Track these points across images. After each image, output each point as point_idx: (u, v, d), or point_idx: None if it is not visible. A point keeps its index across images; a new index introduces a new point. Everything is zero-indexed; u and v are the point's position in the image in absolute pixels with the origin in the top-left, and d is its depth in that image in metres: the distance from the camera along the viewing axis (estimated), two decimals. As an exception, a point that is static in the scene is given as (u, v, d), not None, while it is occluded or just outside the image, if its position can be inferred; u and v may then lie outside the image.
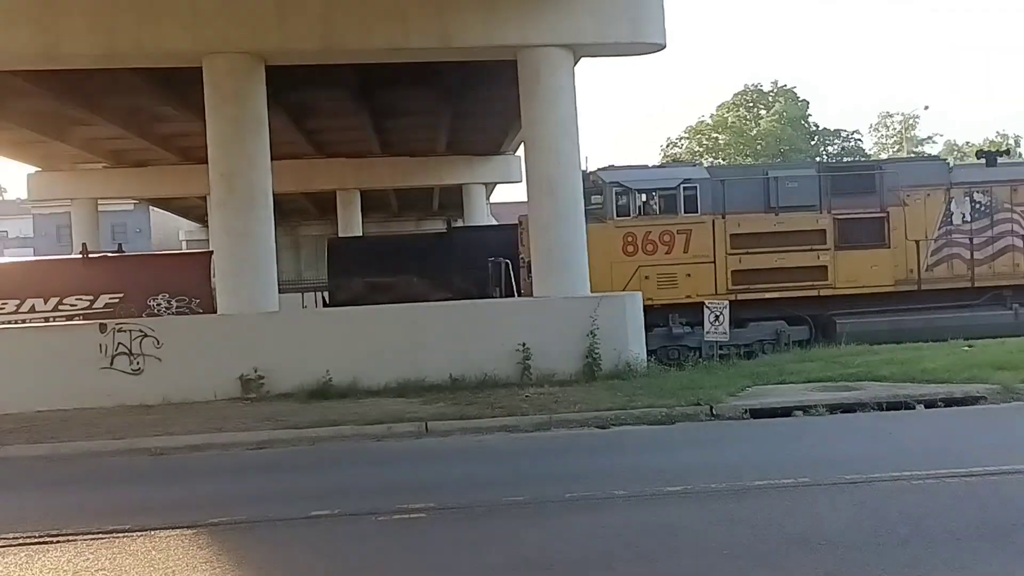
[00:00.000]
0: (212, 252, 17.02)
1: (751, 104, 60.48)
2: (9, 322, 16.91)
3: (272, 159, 14.66)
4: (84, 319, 16.55)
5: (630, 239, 16.89)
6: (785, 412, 11.12)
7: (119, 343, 13.23)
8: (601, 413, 11.05)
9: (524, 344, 13.64)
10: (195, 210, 38.73)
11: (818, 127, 60.00)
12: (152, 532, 6.81)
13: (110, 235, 38.32)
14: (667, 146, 62.56)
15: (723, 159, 56.77)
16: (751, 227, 17.02)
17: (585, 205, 15.29)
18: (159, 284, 18.03)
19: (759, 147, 55.75)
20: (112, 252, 21.61)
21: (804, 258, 16.74)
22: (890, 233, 17.33)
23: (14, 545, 6.64)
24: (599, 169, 17.69)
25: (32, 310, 17.47)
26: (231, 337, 13.61)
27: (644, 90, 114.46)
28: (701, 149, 59.86)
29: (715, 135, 60.43)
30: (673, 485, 7.51)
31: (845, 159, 53.10)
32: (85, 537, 6.75)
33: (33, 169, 28.71)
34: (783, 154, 53.61)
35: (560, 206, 14.59)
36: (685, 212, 17.05)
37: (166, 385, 13.09)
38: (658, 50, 15.05)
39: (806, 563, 5.59)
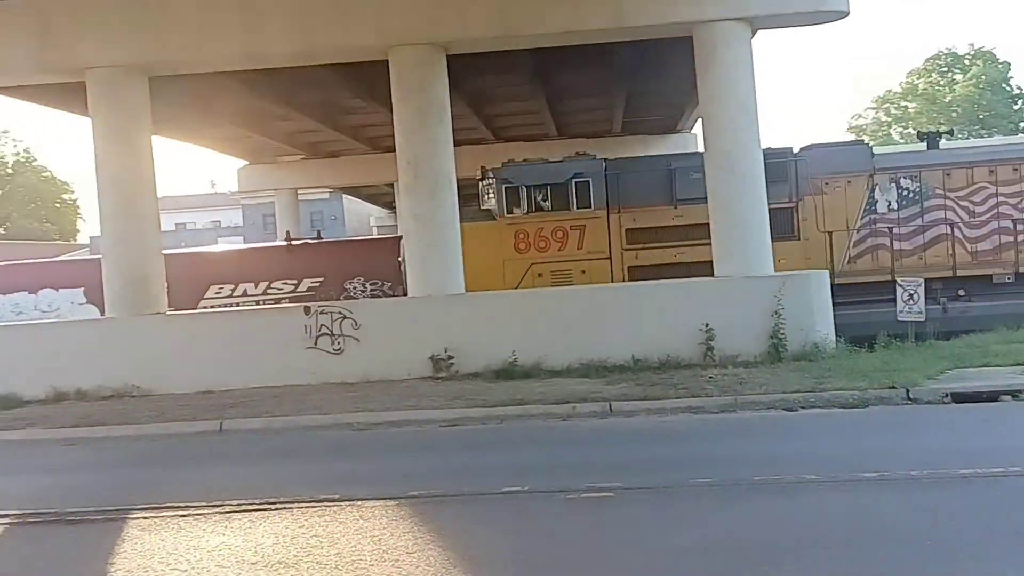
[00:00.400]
0: (400, 237, 17.85)
1: (945, 69, 56.34)
2: (225, 305, 18.51)
3: (454, 145, 15.21)
4: (290, 302, 17.82)
5: (522, 236, 16.66)
6: (991, 397, 10.39)
7: (322, 325, 14.19)
8: (789, 395, 10.78)
9: (707, 325, 13.49)
10: (383, 197, 40.69)
11: (1022, 90, 55.00)
12: (359, 502, 7.32)
13: (308, 223, 40.76)
14: (853, 118, 59.51)
15: (913, 128, 53.32)
16: (648, 221, 16.47)
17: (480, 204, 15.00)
18: (355, 268, 19.10)
19: (954, 114, 51.86)
20: (312, 239, 23.09)
21: (705, 252, 14.89)
22: (800, 224, 16.60)
23: (239, 511, 7.32)
24: (491, 168, 17.46)
25: (244, 294, 19.00)
26: (421, 318, 14.28)
27: (827, 61, 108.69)
28: (889, 119, 56.41)
29: (904, 103, 56.78)
30: (868, 471, 7.26)
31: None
32: (300, 505, 7.36)
33: (242, 163, 31.13)
34: (981, 121, 49.64)
35: (739, 183, 14.26)
36: (578, 207, 16.65)
37: (364, 364, 13.92)
38: (841, 17, 14.38)
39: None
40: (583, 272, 16.70)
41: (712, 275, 14.47)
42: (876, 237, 16.69)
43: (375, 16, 14.39)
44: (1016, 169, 16.58)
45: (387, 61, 14.79)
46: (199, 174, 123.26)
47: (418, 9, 14.28)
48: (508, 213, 17.00)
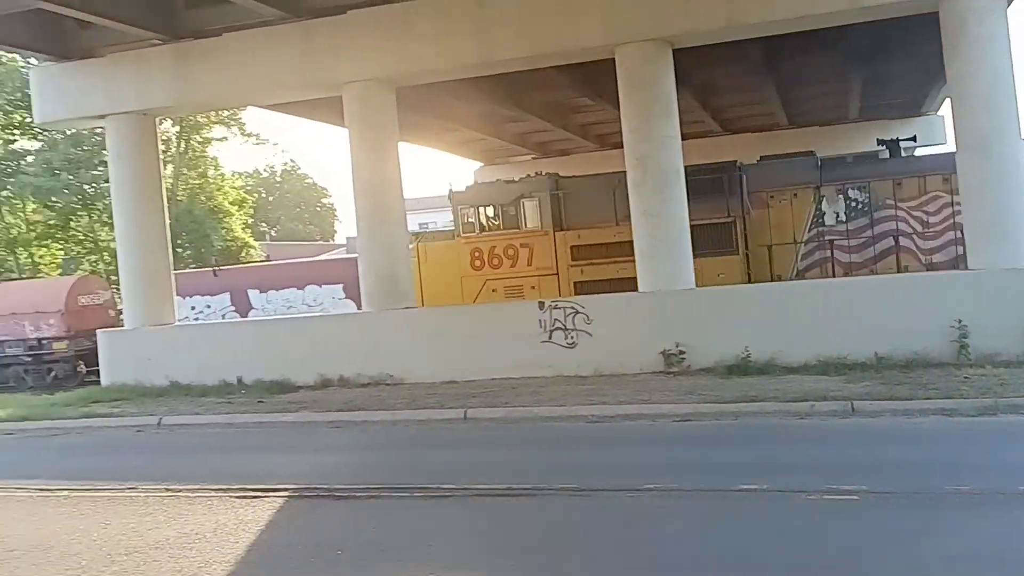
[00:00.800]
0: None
1: None
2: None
3: (681, 139, 15.18)
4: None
5: (477, 254, 17.58)
6: None
7: (555, 319, 14.69)
8: (1061, 399, 9.90)
9: (959, 321, 12.60)
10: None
11: None
12: (596, 492, 7.62)
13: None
14: None
15: None
16: (591, 238, 16.82)
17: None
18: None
19: None
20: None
21: None
22: (738, 239, 16.55)
23: (482, 495, 7.82)
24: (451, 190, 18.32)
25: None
26: (651, 313, 14.40)
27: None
28: None
29: None
30: None
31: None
32: (544, 492, 7.77)
33: (477, 164, 32.60)
34: None
35: (995, 167, 13.15)
36: (527, 226, 17.45)
37: (597, 358, 14.26)
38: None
39: None
40: (533, 287, 17.52)
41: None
42: (824, 249, 16.59)
43: (601, 17, 14.64)
44: None
45: (613, 59, 15.02)
46: (438, 176, 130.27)
47: (644, 7, 14.38)
48: (464, 232, 18.10)
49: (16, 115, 32.23)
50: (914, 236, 16.31)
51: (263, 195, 57.70)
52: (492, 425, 11.64)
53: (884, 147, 18.20)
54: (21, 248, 34.67)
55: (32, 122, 27.45)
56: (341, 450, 11.05)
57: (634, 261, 14.99)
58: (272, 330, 17.45)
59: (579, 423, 11.24)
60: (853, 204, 16.44)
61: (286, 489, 8.44)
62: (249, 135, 37.75)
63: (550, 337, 14.69)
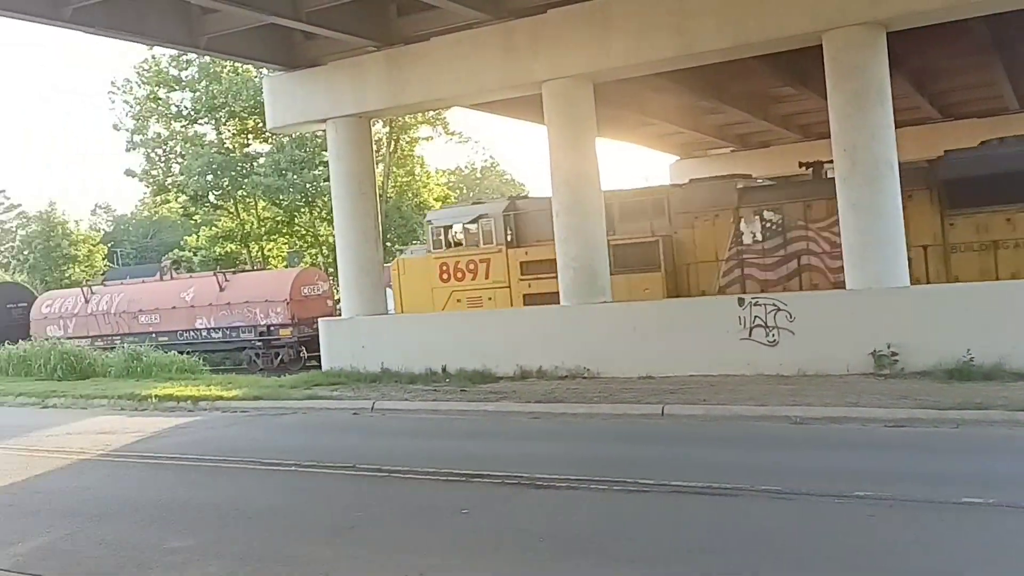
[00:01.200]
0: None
1: None
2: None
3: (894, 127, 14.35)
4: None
5: (444, 268, 19.82)
6: None
7: (755, 316, 14.33)
8: None
9: None
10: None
11: None
12: (802, 496, 7.42)
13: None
14: None
15: None
16: (537, 255, 18.45)
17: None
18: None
19: None
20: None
21: None
22: (662, 257, 17.97)
23: (686, 493, 7.80)
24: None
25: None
26: (860, 312, 13.71)
27: None
28: None
29: None
30: None
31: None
32: (745, 492, 7.65)
33: (673, 158, 32.29)
34: None
35: None
36: (483, 244, 19.36)
37: (800, 357, 13.79)
38: None
39: None
40: (490, 299, 19.43)
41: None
42: (742, 267, 17.59)
43: (808, 2, 14.08)
44: None
45: (820, 46, 14.42)
46: (634, 171, 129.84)
47: (856, -12, 13.72)
48: (435, 248, 20.23)
49: (250, 121, 35.36)
50: (823, 256, 16.92)
51: (464, 191, 59.80)
52: (690, 422, 11.56)
53: (807, 168, 19.11)
54: (253, 242, 38.10)
55: (263, 127, 30.07)
56: (540, 440, 11.36)
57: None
58: (474, 322, 18.15)
59: (781, 424, 10.95)
60: (768, 225, 17.42)
61: (489, 476, 8.81)
62: (452, 134, 39.22)
63: (750, 334, 14.36)
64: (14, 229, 72.75)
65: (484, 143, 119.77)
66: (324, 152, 31.85)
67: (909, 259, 14.28)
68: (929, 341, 12.90)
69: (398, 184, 38.54)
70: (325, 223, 34.67)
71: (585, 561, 6.19)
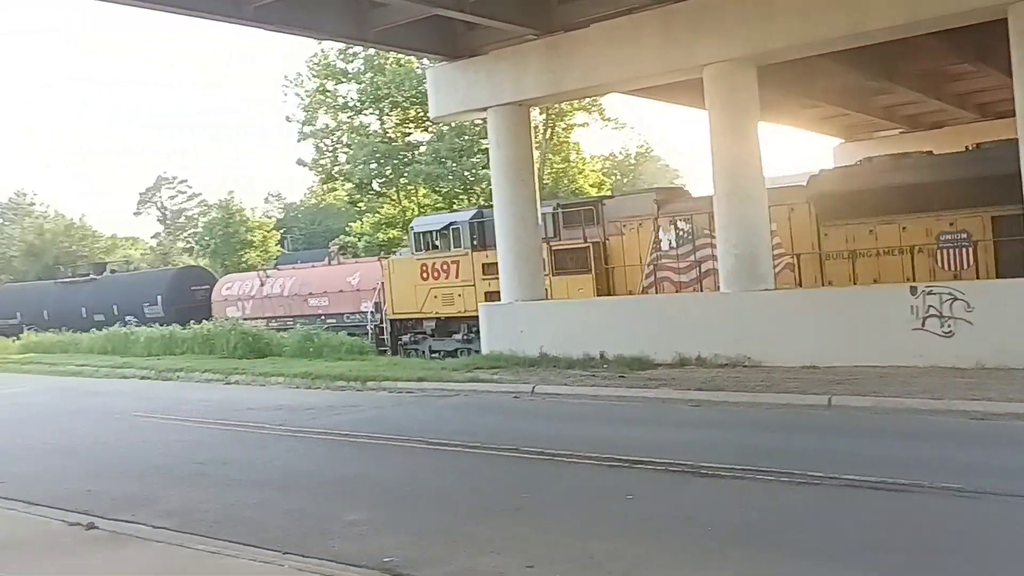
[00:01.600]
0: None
1: None
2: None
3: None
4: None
5: (424, 269, 22.64)
6: None
7: (929, 305, 13.61)
8: None
9: None
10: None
11: None
12: (987, 495, 7.06)
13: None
14: None
15: None
16: (495, 258, 19.79)
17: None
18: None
19: None
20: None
21: None
22: (592, 261, 19.85)
23: (858, 487, 7.57)
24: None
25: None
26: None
27: None
28: None
29: None
30: None
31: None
32: (921, 489, 7.34)
33: (837, 141, 30.94)
34: None
35: None
36: (454, 247, 22.11)
37: (978, 349, 13.00)
38: None
39: None
40: (459, 295, 21.99)
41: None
42: (661, 271, 19.43)
43: (994, -27, 13.20)
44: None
45: (1003, 20, 13.45)
46: (790, 155, 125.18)
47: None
48: (416, 251, 23.14)
49: (411, 111, 36.56)
50: None
51: (618, 178, 59.42)
52: (859, 414, 11.17)
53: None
54: (414, 228, 39.48)
55: (424, 116, 30.99)
56: (702, 428, 11.28)
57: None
58: (632, 307, 18.07)
59: (959, 419, 10.41)
60: (681, 233, 19.18)
61: (652, 462, 8.85)
62: (608, 120, 39.08)
63: (923, 325, 13.66)
64: (196, 216, 78.32)
65: (639, 129, 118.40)
66: (483, 140, 32.59)
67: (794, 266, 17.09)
68: None
69: (554, 171, 38.83)
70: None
71: (757, 552, 6.15)
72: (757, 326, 15.34)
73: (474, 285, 21.72)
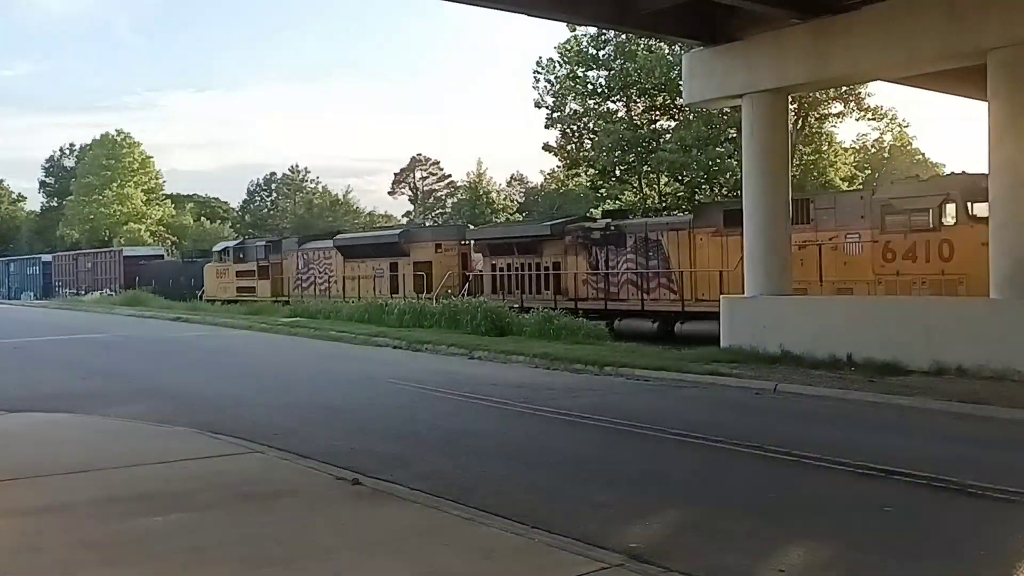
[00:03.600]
0: None
1: None
2: None
3: None
4: None
5: (220, 272, 42.81)
6: None
7: None
8: None
9: None
10: None
11: None
12: None
13: None
14: None
15: None
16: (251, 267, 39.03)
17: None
18: None
19: None
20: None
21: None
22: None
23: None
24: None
25: None
26: None
27: None
28: None
29: None
30: None
31: None
32: None
33: None
34: None
35: None
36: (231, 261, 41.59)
37: None
38: None
39: None
40: (232, 287, 41.17)
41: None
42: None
43: None
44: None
45: None
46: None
47: None
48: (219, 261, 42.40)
49: (659, 98, 36.32)
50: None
51: (870, 172, 55.63)
52: None
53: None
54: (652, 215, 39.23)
55: (671, 104, 30.68)
56: (966, 444, 10.38)
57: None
58: (884, 309, 16.97)
59: None
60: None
61: (911, 475, 8.29)
62: (867, 110, 36.66)
63: None
64: (444, 197, 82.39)
65: (900, 120, 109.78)
66: (730, 129, 31.75)
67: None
68: None
69: (803, 162, 37.12)
70: (724, 199, 34.68)
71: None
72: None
73: (234, 283, 40.37)
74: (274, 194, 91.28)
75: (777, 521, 7.08)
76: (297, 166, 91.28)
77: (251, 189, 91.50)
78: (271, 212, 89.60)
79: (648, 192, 39.08)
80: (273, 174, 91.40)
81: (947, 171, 59.45)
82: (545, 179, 57.46)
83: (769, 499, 7.75)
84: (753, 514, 7.27)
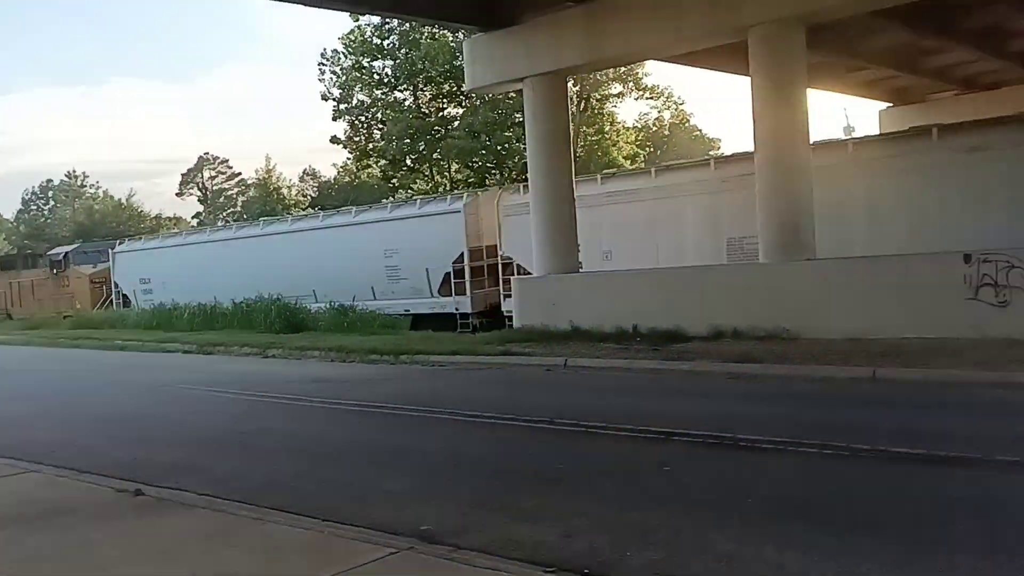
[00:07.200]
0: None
1: None
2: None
3: None
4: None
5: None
6: None
7: (984, 274, 13.15)
8: None
9: None
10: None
11: None
12: None
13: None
14: None
15: None
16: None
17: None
18: None
19: None
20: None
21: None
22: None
23: (909, 461, 7.30)
24: None
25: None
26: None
27: None
28: None
29: None
30: None
31: None
32: (979, 462, 7.02)
33: (883, 105, 30.05)
34: None
35: None
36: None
37: (1036, 319, 12.57)
38: None
39: None
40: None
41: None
42: None
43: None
44: None
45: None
46: (828, 120, 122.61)
47: None
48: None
49: (445, 85, 36.34)
50: None
51: (652, 150, 58.59)
52: (906, 388, 10.82)
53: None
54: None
55: (457, 91, 30.74)
56: (740, 401, 11.00)
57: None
58: (666, 278, 17.64)
59: (1017, 392, 10.00)
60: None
61: (689, 434, 8.62)
62: (644, 89, 38.47)
63: (976, 294, 13.20)
64: (235, 196, 78.88)
65: (676, 98, 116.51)
66: (516, 114, 32.22)
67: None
68: None
69: (587, 143, 38.41)
70: (514, 183, 35.30)
71: (802, 524, 5.90)
72: (796, 297, 14.98)
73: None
74: (51, 202, 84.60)
75: (565, 490, 7.11)
76: (75, 171, 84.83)
77: (26, 198, 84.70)
78: (48, 221, 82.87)
79: (440, 180, 39.12)
80: (50, 181, 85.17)
81: (723, 147, 63.68)
82: (338, 172, 56.26)
83: (559, 470, 7.78)
84: (543, 485, 7.27)
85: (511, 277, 20.27)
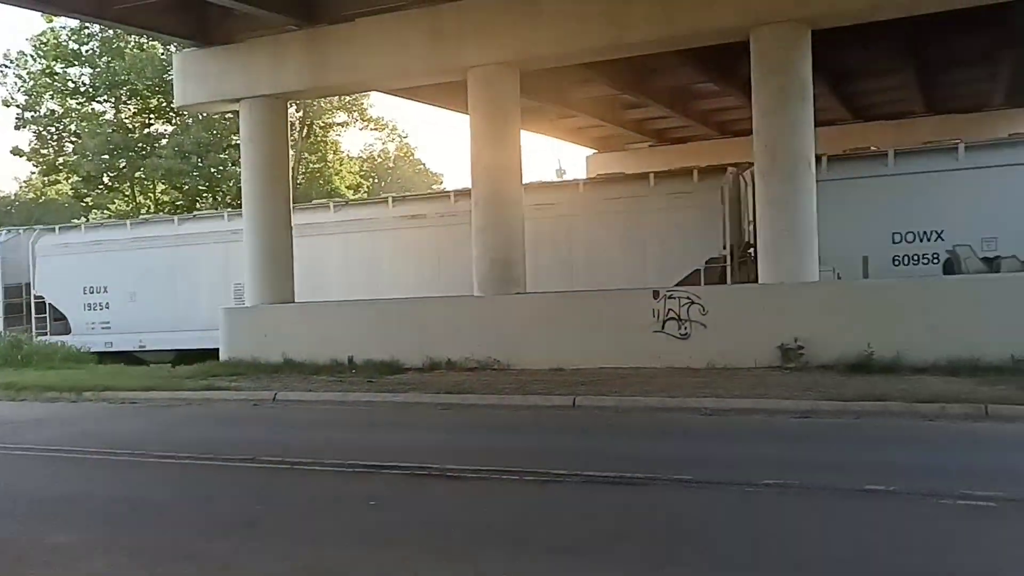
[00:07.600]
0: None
1: None
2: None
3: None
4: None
5: None
6: None
7: (669, 309, 14.40)
8: None
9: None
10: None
11: None
12: (712, 485, 7.38)
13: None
14: None
15: None
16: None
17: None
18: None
19: None
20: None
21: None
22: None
23: (598, 483, 7.66)
24: None
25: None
26: (770, 306, 13.97)
27: None
28: None
29: None
30: None
31: None
32: (656, 481, 7.56)
33: (590, 151, 32.36)
34: None
35: None
36: None
37: (710, 350, 13.93)
38: None
39: None
40: None
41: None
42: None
43: (740, -2, 14.19)
44: None
45: (744, 42, 14.56)
46: (545, 163, 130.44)
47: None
48: None
49: (153, 100, 33.91)
50: None
51: (376, 180, 58.69)
52: (601, 414, 11.50)
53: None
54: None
55: (168, 107, 28.80)
56: (450, 431, 11.12)
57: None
58: (383, 310, 17.53)
59: (692, 415, 10.99)
60: None
61: (398, 467, 8.51)
62: (369, 120, 38.43)
63: (663, 327, 14.42)
64: None
65: (401, 131, 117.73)
66: (232, 135, 30.88)
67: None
68: (833, 335, 13.25)
69: (309, 171, 37.62)
70: (229, 208, 33.72)
71: (500, 550, 5.96)
72: (507, 329, 15.54)
73: None
74: None
75: (263, 532, 6.66)
76: None
77: None
78: None
79: (143, 201, 36.32)
80: None
81: (446, 181, 64.87)
82: (21, 187, 50.45)
83: (257, 511, 7.30)
84: (238, 528, 6.76)
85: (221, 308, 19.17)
